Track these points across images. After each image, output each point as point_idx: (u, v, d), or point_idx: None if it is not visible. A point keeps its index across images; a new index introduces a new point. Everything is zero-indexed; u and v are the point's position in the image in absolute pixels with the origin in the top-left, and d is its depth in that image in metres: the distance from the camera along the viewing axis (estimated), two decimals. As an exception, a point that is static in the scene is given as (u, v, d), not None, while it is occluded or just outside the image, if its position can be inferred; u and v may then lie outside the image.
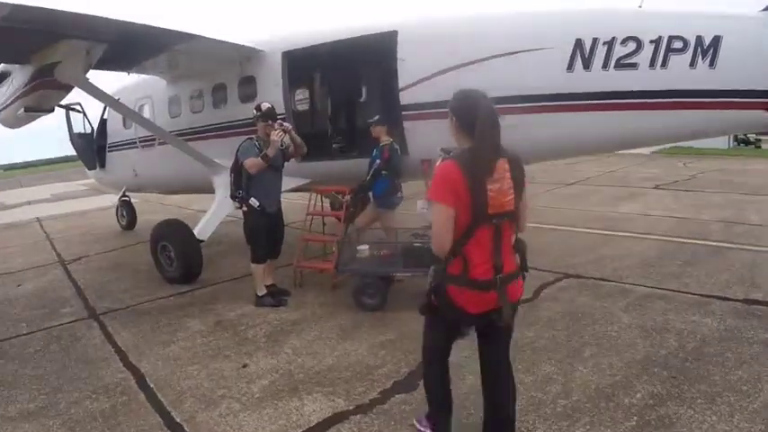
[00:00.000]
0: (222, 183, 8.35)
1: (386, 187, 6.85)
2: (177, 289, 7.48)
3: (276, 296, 6.59)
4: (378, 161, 6.80)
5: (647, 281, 6.53)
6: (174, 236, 7.68)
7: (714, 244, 8.15)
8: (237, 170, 6.36)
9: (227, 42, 7.40)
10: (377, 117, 6.98)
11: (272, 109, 6.46)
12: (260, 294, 6.59)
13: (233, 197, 6.53)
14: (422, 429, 3.61)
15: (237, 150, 6.36)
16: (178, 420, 4.10)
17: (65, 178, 38.82)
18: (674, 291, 6.13)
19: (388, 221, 7.09)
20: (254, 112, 6.45)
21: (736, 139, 26.76)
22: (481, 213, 2.76)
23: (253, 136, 6.44)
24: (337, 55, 7.60)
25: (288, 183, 7.87)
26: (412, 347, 4.90)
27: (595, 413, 3.79)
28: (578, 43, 5.79)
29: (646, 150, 22.61)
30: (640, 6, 6.11)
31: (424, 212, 3.54)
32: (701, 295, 5.94)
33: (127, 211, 13.17)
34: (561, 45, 5.86)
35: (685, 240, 8.44)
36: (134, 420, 4.15)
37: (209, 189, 8.89)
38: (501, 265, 2.84)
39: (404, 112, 6.91)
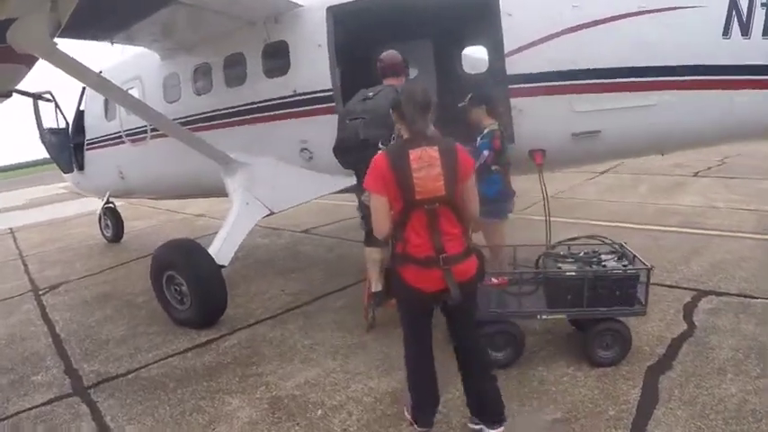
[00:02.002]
0: (240, 185, 6.06)
1: (498, 189, 4.71)
2: (194, 337, 5.10)
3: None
4: (486, 152, 4.65)
5: (796, 295, 4.94)
6: (185, 262, 5.28)
7: (820, 243, 6.50)
8: None
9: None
10: (470, 96, 4.86)
11: None
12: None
13: None
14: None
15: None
16: None
17: (42, 182, 35.36)
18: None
19: (496, 236, 4.83)
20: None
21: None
22: (410, 199, 2.81)
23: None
24: (409, 11, 5.37)
25: (328, 183, 5.73)
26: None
27: None
28: (733, 3, 4.35)
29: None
30: None
31: (366, 201, 3.50)
32: None
33: (112, 220, 10.52)
34: (714, 3, 4.35)
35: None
36: None
37: (218, 192, 6.61)
38: (441, 247, 2.85)
39: (511, 86, 4.86)
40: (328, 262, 7.27)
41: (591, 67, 4.63)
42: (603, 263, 4.06)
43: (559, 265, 4.17)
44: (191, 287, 5.19)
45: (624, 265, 4.00)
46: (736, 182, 11.41)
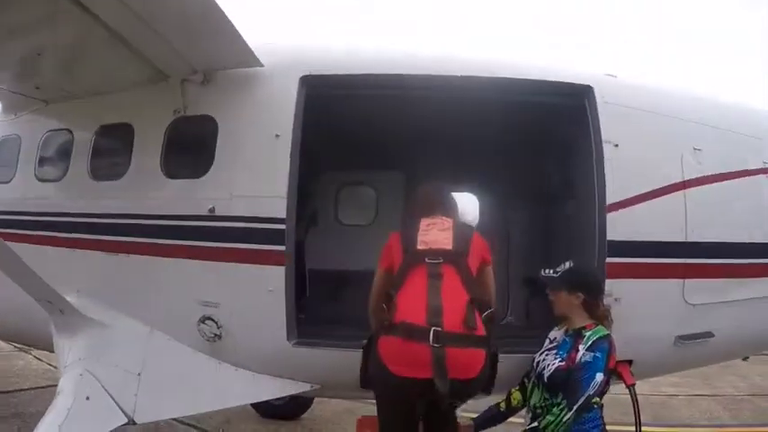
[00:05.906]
0: (79, 355, 3.02)
1: None
2: None
3: None
4: (600, 376, 2.46)
5: None
6: None
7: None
8: None
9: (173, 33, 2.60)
10: (565, 269, 2.73)
11: None
12: None
13: None
14: None
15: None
16: None
17: None
18: None
19: None
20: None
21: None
22: (411, 250, 2.26)
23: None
24: (445, 103, 3.14)
25: (244, 388, 3.10)
26: None
27: None
28: None
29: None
30: None
31: None
32: None
33: None
34: None
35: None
36: None
37: (44, 345, 3.67)
38: (437, 310, 2.07)
39: (611, 259, 2.83)
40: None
41: (713, 240, 2.98)
42: None
43: None
44: None
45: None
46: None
